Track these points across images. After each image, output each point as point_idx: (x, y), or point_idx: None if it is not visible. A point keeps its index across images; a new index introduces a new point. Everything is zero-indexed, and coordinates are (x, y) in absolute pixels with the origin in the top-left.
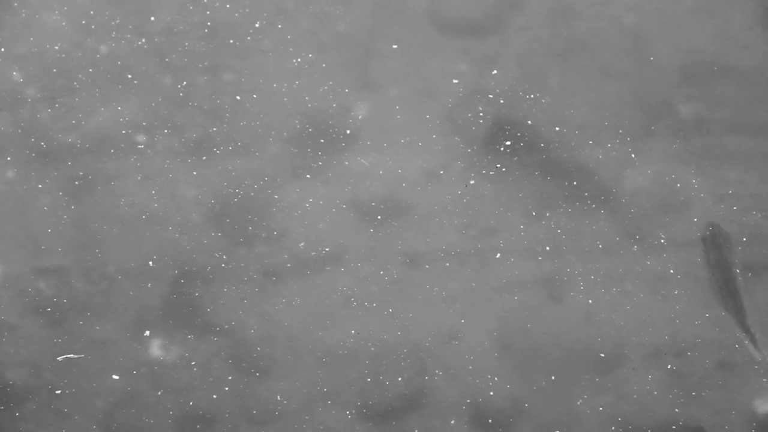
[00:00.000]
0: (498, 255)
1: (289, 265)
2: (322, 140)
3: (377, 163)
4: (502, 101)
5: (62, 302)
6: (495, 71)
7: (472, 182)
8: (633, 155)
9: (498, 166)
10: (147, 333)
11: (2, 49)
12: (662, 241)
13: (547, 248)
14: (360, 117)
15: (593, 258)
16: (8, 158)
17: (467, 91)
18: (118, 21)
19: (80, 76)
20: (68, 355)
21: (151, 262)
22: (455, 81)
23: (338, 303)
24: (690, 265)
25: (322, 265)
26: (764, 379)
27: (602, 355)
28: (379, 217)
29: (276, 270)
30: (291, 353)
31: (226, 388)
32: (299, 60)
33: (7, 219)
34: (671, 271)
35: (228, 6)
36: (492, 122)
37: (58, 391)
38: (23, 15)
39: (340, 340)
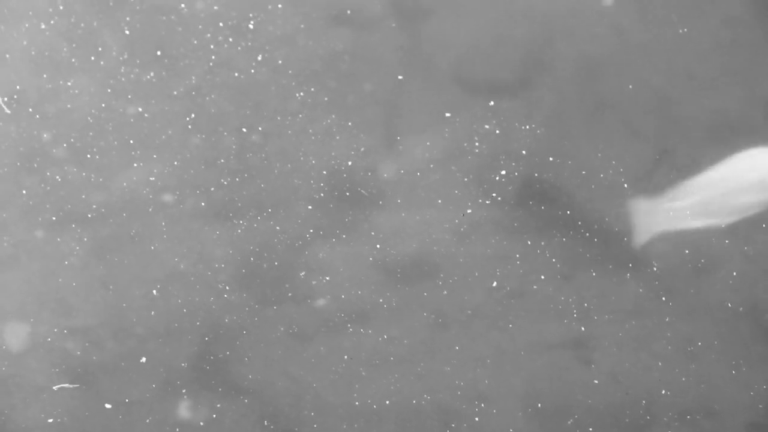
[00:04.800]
0: (525, 316)
1: (316, 325)
2: (348, 200)
3: (404, 223)
4: (530, 161)
5: (90, 363)
6: (522, 130)
7: (468, 211)
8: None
9: (527, 227)
10: (143, 360)
11: (30, 110)
12: (691, 301)
13: (575, 310)
14: (386, 176)
15: (621, 319)
16: (38, 218)
17: (495, 151)
18: (145, 81)
19: (107, 135)
20: (64, 385)
21: (179, 323)
22: (482, 141)
23: (365, 363)
24: (719, 325)
25: (349, 326)
26: None
27: (630, 417)
28: (406, 278)
29: (303, 330)
30: (318, 414)
31: None
32: (327, 120)
33: (36, 279)
34: (700, 332)
35: (254, 66)
36: (520, 182)
37: None
38: (51, 76)
39: (367, 400)
